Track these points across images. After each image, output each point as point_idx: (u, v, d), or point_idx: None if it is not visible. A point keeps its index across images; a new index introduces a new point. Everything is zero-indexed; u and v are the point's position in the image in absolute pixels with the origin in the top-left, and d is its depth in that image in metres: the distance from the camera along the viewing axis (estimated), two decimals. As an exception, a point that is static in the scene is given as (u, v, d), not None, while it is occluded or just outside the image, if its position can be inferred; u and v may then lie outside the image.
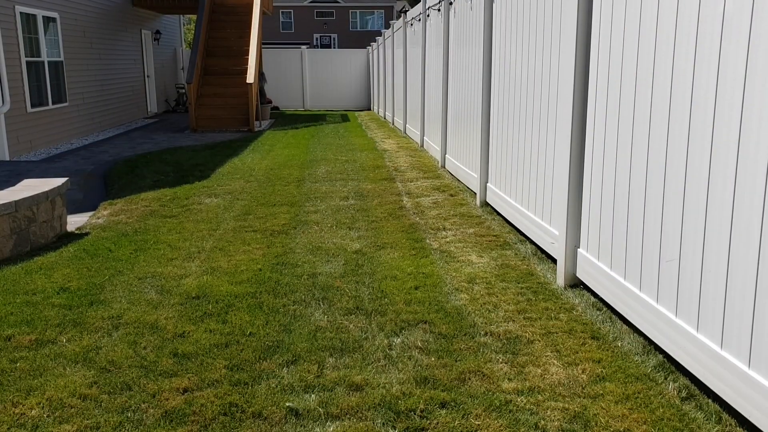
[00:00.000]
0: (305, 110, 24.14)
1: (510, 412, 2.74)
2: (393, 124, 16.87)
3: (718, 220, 2.75)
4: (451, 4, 8.63)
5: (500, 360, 3.21)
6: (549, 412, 2.73)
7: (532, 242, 5.20)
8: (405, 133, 14.32)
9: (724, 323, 2.72)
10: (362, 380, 3.00)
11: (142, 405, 2.82)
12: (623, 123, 3.60)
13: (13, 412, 2.77)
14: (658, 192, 3.24)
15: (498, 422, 2.66)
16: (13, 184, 5.98)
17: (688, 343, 2.95)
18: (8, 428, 2.65)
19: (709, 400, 2.80)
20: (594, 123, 3.97)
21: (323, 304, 3.97)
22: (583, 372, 3.07)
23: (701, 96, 2.86)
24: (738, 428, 2.61)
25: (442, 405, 2.79)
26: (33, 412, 2.77)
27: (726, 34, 2.69)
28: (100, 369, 3.16)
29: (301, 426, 2.65)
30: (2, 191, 5.60)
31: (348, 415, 2.72)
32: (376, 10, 53.59)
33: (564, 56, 4.36)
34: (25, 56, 11.72)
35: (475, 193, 7.10)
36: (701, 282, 2.88)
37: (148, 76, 19.99)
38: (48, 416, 2.74)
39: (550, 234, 4.72)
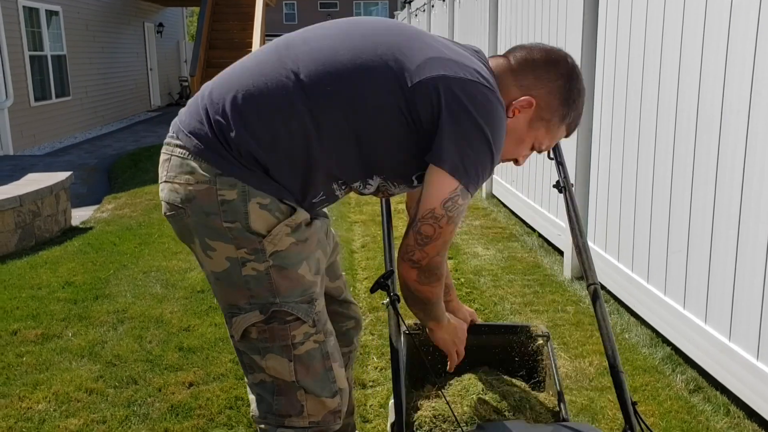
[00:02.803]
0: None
1: (517, 405, 2.72)
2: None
3: (727, 209, 2.73)
4: (455, -6, 8.58)
5: (507, 353, 3.20)
6: (556, 405, 2.71)
7: (538, 234, 5.18)
8: (409, 124, 14.29)
9: (732, 315, 2.70)
10: (367, 378, 2.99)
11: (148, 399, 2.82)
12: (630, 108, 3.57)
13: (20, 406, 2.77)
14: (666, 181, 3.21)
15: (505, 415, 2.65)
16: (18, 179, 5.98)
17: (696, 335, 2.93)
18: (15, 422, 2.65)
19: (717, 392, 2.79)
20: (601, 109, 3.94)
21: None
22: (590, 364, 3.06)
23: (709, 84, 2.83)
24: (746, 420, 2.59)
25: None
26: (39, 406, 2.77)
27: (733, 32, 2.66)
28: (105, 363, 3.15)
29: (307, 420, 2.64)
30: (7, 186, 5.60)
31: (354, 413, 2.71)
32: (380, 1, 53.41)
33: (570, 47, 4.33)
34: (28, 50, 11.70)
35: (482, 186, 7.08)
36: (709, 273, 2.86)
37: (151, 69, 19.97)
38: (54, 410, 2.74)
39: (556, 226, 4.70)
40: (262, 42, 17.15)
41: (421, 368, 1.98)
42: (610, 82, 3.79)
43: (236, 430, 2.59)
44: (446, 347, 1.81)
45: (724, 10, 2.71)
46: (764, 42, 2.48)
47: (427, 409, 1.83)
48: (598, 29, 3.96)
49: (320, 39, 1.55)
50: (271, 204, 1.49)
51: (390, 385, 2.86)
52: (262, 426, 1.60)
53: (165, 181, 1.56)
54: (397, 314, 1.65)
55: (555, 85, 1.60)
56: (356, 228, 5.61)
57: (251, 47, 16.56)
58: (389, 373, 3.00)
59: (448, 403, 1.76)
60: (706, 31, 2.84)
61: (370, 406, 2.73)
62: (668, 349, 3.19)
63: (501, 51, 6.25)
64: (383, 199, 1.82)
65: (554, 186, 1.94)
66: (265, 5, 18.02)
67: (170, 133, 1.57)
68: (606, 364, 3.03)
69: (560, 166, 1.94)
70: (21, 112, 11.37)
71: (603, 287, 3.96)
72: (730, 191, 2.71)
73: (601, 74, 3.92)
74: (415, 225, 1.51)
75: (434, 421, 1.79)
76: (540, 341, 2.06)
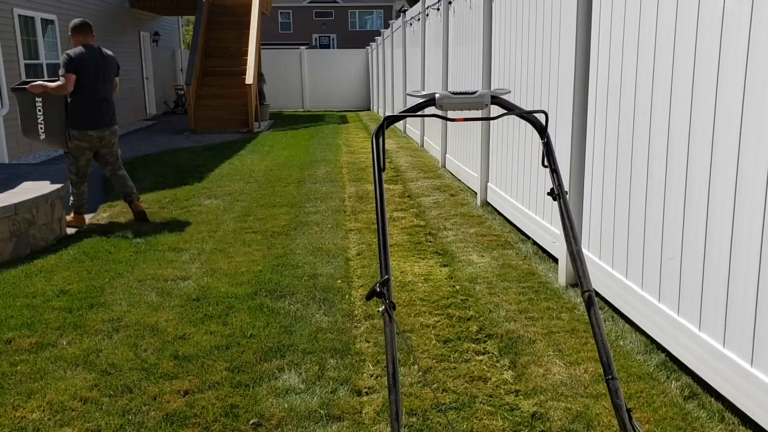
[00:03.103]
0: (304, 111, 24.14)
1: (513, 413, 2.73)
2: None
3: (720, 217, 2.74)
4: (450, 3, 8.62)
5: (502, 361, 3.20)
6: (551, 412, 2.72)
7: (533, 242, 5.19)
8: (405, 133, 14.31)
9: (726, 322, 2.71)
10: (363, 385, 2.99)
11: (143, 407, 2.81)
12: (624, 117, 3.59)
13: (14, 416, 2.76)
14: (660, 188, 3.23)
15: (500, 423, 2.65)
16: (13, 187, 5.97)
17: (691, 342, 2.94)
18: (10, 431, 2.64)
19: (712, 399, 2.80)
20: (594, 118, 3.97)
21: (324, 306, 3.96)
22: (585, 372, 3.07)
23: (701, 96, 2.85)
24: (741, 427, 2.60)
25: (444, 408, 2.78)
26: (34, 415, 2.76)
27: (726, 34, 2.68)
28: (100, 372, 3.14)
29: (302, 428, 2.64)
30: (2, 194, 5.59)
31: (350, 417, 2.71)
32: (375, 10, 53.54)
33: (563, 56, 4.35)
34: (24, 58, 11.71)
35: (476, 193, 7.10)
36: (703, 280, 2.87)
37: (146, 78, 19.98)
38: (49, 419, 2.73)
39: (551, 233, 4.71)
40: (258, 51, 17.19)
41: None
42: (604, 90, 3.81)
43: (231, 439, 2.59)
44: None
45: (716, 17, 2.73)
46: (756, 55, 2.50)
47: None
48: (591, 38, 3.99)
49: None
50: None
51: (385, 392, 2.86)
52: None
53: None
54: (393, 321, 1.66)
55: None
56: (351, 236, 5.62)
57: (247, 56, 16.63)
58: (385, 380, 3.00)
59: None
60: (698, 38, 2.87)
61: (366, 413, 2.73)
62: (663, 355, 3.20)
63: (495, 60, 6.29)
64: (378, 206, 1.85)
65: (548, 194, 1.95)
66: (261, 14, 18.08)
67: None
68: (601, 371, 3.04)
69: (554, 174, 1.94)
70: (16, 120, 11.35)
71: (597, 294, 3.97)
72: (723, 198, 2.72)
73: (594, 82, 3.94)
74: None
75: None
76: None
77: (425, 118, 11.21)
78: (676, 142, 3.06)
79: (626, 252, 3.59)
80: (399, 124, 15.26)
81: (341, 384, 2.97)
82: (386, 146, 12.03)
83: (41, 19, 12.45)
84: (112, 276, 4.59)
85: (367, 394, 2.89)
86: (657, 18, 3.21)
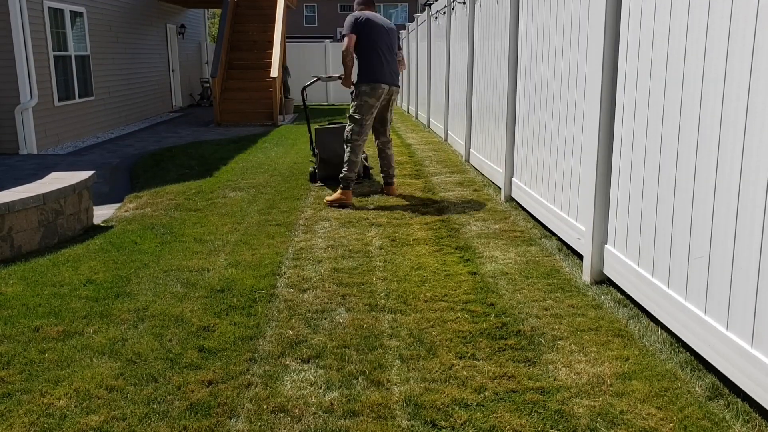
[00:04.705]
0: (329, 105, 24.17)
1: (536, 411, 2.71)
2: (416, 118, 16.83)
3: (750, 216, 2.70)
4: (475, -3, 8.56)
5: (526, 358, 3.19)
6: (575, 409, 2.70)
7: (557, 238, 5.16)
8: (428, 127, 14.27)
9: (755, 321, 2.68)
10: (385, 378, 3.00)
11: (168, 397, 2.84)
12: (652, 115, 3.55)
13: (42, 402, 2.81)
14: (688, 188, 3.19)
15: (524, 421, 2.64)
16: (41, 177, 6.06)
17: (717, 341, 2.90)
18: (37, 417, 2.69)
19: (738, 399, 2.76)
20: (622, 118, 3.92)
21: (345, 300, 3.97)
22: (609, 370, 3.04)
23: (733, 89, 2.80)
24: (767, 429, 2.57)
25: (466, 405, 2.78)
26: (61, 402, 2.81)
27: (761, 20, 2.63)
28: (126, 361, 3.19)
29: (323, 420, 2.65)
30: (31, 184, 5.68)
31: (371, 411, 2.72)
32: (399, 4, 53.39)
33: (591, 50, 4.31)
34: (53, 50, 11.86)
35: (500, 188, 7.06)
36: (731, 279, 2.83)
37: (173, 70, 20.14)
38: (75, 406, 2.77)
39: (576, 229, 4.68)
40: (283, 44, 17.25)
41: None
42: (633, 85, 3.77)
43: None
44: None
45: (750, 12, 2.69)
46: (789, 46, 2.45)
47: None
48: (620, 31, 3.94)
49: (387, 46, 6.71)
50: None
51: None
52: None
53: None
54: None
55: None
56: (373, 230, 5.62)
57: (272, 49, 16.69)
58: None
59: None
60: (732, 30, 2.82)
61: (379, 403, 2.73)
62: (688, 354, 3.16)
63: (521, 54, 6.25)
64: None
65: None
66: (286, 7, 18.12)
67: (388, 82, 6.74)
68: (625, 369, 3.01)
69: None
70: (45, 111, 11.52)
71: (623, 292, 3.94)
72: (753, 197, 2.68)
73: (623, 76, 3.90)
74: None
75: None
76: None
77: (449, 112, 11.22)
78: (706, 135, 3.02)
79: (653, 250, 3.56)
80: (422, 118, 15.25)
81: (360, 375, 2.98)
82: (409, 140, 12.01)
83: (70, 11, 12.59)
84: (137, 266, 4.64)
85: (387, 382, 2.90)
86: (689, 13, 3.16)
